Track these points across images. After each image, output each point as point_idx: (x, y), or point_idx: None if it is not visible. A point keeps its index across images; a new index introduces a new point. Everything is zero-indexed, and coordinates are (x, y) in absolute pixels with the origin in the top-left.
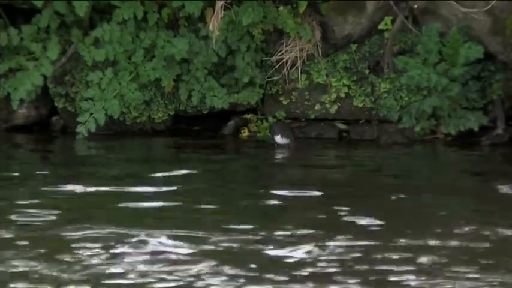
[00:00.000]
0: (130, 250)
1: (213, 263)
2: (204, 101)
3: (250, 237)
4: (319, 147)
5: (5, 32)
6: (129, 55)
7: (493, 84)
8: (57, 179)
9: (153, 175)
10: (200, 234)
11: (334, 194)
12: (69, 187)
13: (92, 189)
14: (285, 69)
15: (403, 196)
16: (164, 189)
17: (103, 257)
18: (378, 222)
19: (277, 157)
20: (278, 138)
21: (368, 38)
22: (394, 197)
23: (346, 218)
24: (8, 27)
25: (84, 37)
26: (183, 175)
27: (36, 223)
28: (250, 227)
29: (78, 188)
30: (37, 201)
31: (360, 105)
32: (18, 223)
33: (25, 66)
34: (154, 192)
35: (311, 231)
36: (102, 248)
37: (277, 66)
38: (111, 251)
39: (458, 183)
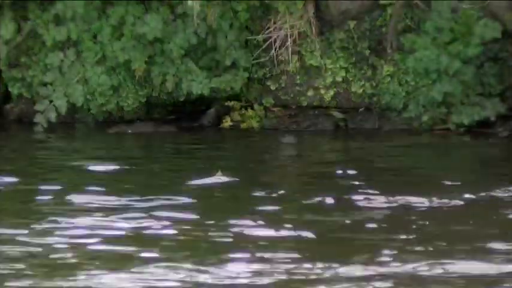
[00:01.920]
0: None
1: None
2: (181, 86)
3: None
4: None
5: None
6: (94, 34)
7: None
8: None
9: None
10: None
11: None
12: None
13: None
14: (273, 50)
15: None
16: None
17: None
18: None
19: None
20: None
21: (368, 13)
22: None
23: None
24: None
25: (42, 13)
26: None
27: None
28: None
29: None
30: None
31: (359, 91)
32: None
33: None
34: None
35: None
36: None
37: (264, 46)
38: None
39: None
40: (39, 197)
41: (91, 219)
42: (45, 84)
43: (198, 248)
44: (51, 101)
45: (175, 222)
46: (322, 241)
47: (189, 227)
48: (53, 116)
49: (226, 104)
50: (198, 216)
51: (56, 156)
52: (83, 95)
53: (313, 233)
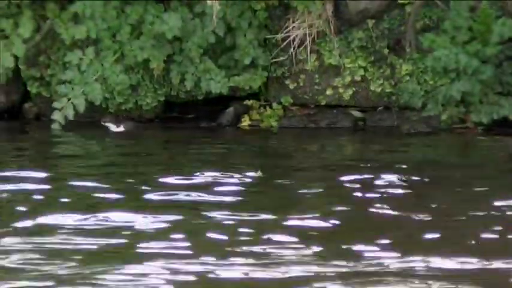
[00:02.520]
0: None
1: None
2: (199, 85)
3: None
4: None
5: None
6: (113, 33)
7: None
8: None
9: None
10: None
11: None
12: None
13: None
14: (291, 49)
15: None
16: None
17: None
18: None
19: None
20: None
21: (387, 12)
22: None
23: None
24: None
25: (61, 12)
26: None
27: None
28: None
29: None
30: None
31: (378, 89)
32: None
33: None
34: None
35: None
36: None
37: (283, 45)
38: None
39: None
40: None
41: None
42: (63, 83)
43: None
44: (69, 99)
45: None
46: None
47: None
48: (71, 114)
49: (245, 103)
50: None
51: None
52: (101, 94)
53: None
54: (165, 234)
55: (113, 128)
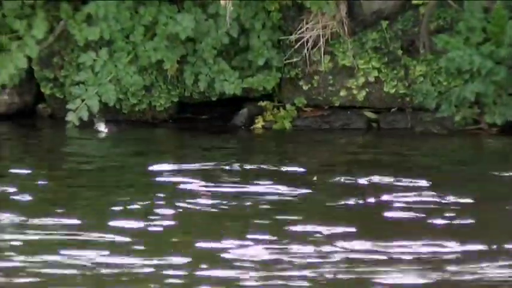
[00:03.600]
0: None
1: None
2: (213, 86)
3: None
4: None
5: None
6: (127, 34)
7: None
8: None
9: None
10: None
11: None
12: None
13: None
14: (305, 50)
15: None
16: None
17: None
18: None
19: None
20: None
21: (401, 13)
22: None
23: None
24: None
25: (74, 13)
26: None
27: None
28: None
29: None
30: None
31: (392, 91)
32: None
33: (7, 47)
34: None
35: None
36: None
37: (296, 47)
38: None
39: None
40: None
41: None
42: (77, 84)
43: None
44: (83, 100)
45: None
46: None
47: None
48: (85, 115)
49: (258, 104)
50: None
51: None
52: (115, 95)
53: None
54: None
55: (102, 129)
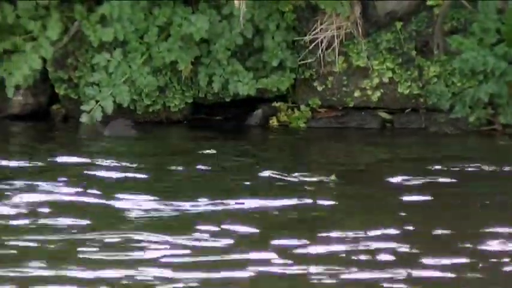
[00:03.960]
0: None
1: None
2: (227, 87)
3: None
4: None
5: None
6: (141, 34)
7: None
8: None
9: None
10: None
11: None
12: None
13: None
14: (319, 51)
15: None
16: None
17: None
18: None
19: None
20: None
21: (415, 14)
22: None
23: None
24: (1, 2)
25: (89, 14)
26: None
27: None
28: None
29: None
30: None
31: (406, 91)
32: None
33: (21, 48)
34: None
35: None
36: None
37: (310, 47)
38: None
39: None
40: None
41: None
42: (91, 85)
43: None
44: (97, 102)
45: None
46: None
47: None
48: (99, 116)
49: (272, 104)
50: None
51: None
52: (129, 96)
53: None
54: None
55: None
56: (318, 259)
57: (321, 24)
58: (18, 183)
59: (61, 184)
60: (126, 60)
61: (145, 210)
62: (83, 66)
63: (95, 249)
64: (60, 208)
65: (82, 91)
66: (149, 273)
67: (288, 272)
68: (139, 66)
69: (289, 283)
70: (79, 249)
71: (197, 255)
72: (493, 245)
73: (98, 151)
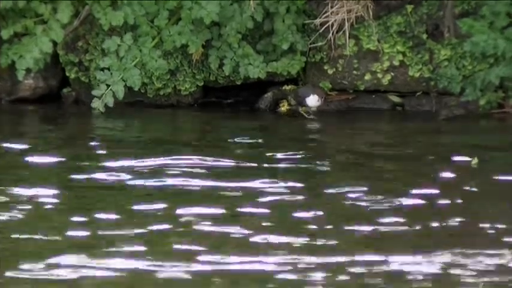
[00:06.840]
0: None
1: None
2: (238, 70)
3: None
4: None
5: None
6: (152, 18)
7: None
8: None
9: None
10: None
11: None
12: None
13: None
14: (330, 34)
15: None
16: None
17: None
18: None
19: None
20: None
21: None
22: None
23: None
24: None
25: None
26: None
27: None
28: None
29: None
30: None
31: (417, 75)
32: None
33: (32, 31)
34: None
35: None
36: None
37: (321, 31)
38: None
39: None
40: None
41: None
42: (102, 69)
43: None
44: (108, 86)
45: None
46: None
47: None
48: (110, 101)
49: (283, 88)
50: None
51: None
52: (140, 79)
53: None
54: None
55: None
56: None
57: (332, 7)
58: None
59: None
60: (136, 44)
61: None
62: (94, 50)
63: None
64: None
65: (93, 74)
66: None
67: None
68: (150, 49)
69: None
70: None
71: None
72: None
73: None
